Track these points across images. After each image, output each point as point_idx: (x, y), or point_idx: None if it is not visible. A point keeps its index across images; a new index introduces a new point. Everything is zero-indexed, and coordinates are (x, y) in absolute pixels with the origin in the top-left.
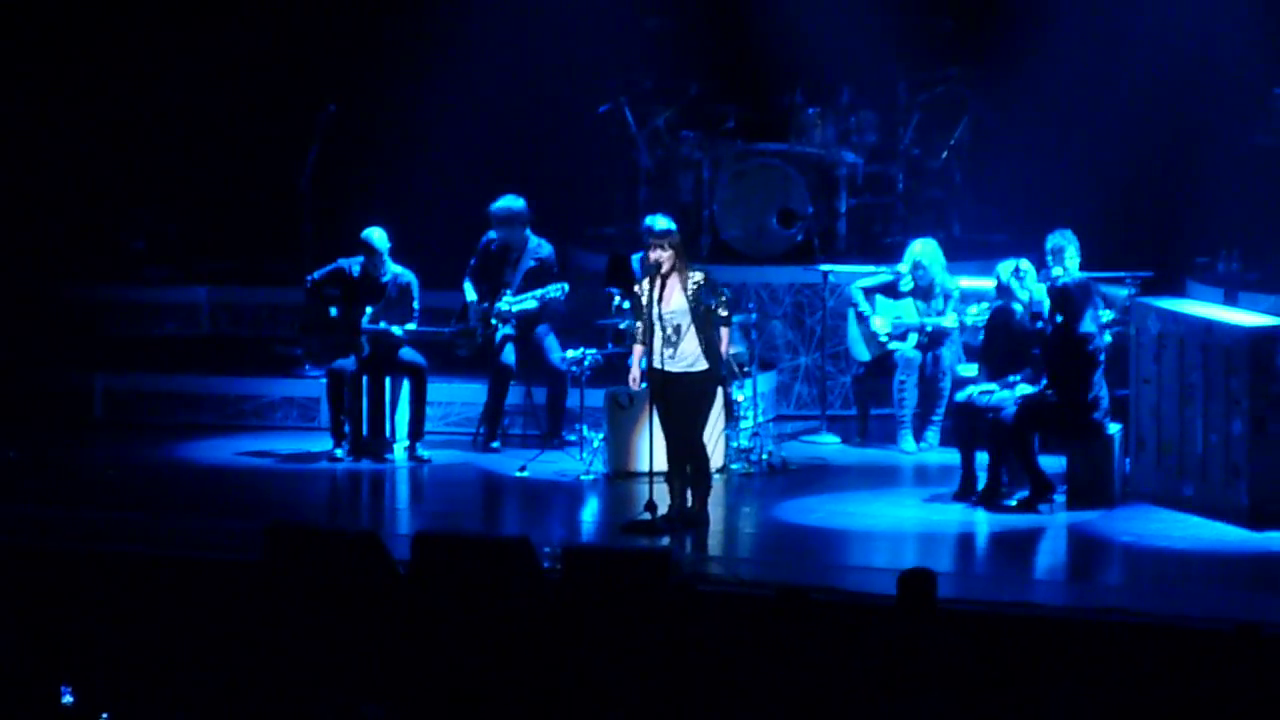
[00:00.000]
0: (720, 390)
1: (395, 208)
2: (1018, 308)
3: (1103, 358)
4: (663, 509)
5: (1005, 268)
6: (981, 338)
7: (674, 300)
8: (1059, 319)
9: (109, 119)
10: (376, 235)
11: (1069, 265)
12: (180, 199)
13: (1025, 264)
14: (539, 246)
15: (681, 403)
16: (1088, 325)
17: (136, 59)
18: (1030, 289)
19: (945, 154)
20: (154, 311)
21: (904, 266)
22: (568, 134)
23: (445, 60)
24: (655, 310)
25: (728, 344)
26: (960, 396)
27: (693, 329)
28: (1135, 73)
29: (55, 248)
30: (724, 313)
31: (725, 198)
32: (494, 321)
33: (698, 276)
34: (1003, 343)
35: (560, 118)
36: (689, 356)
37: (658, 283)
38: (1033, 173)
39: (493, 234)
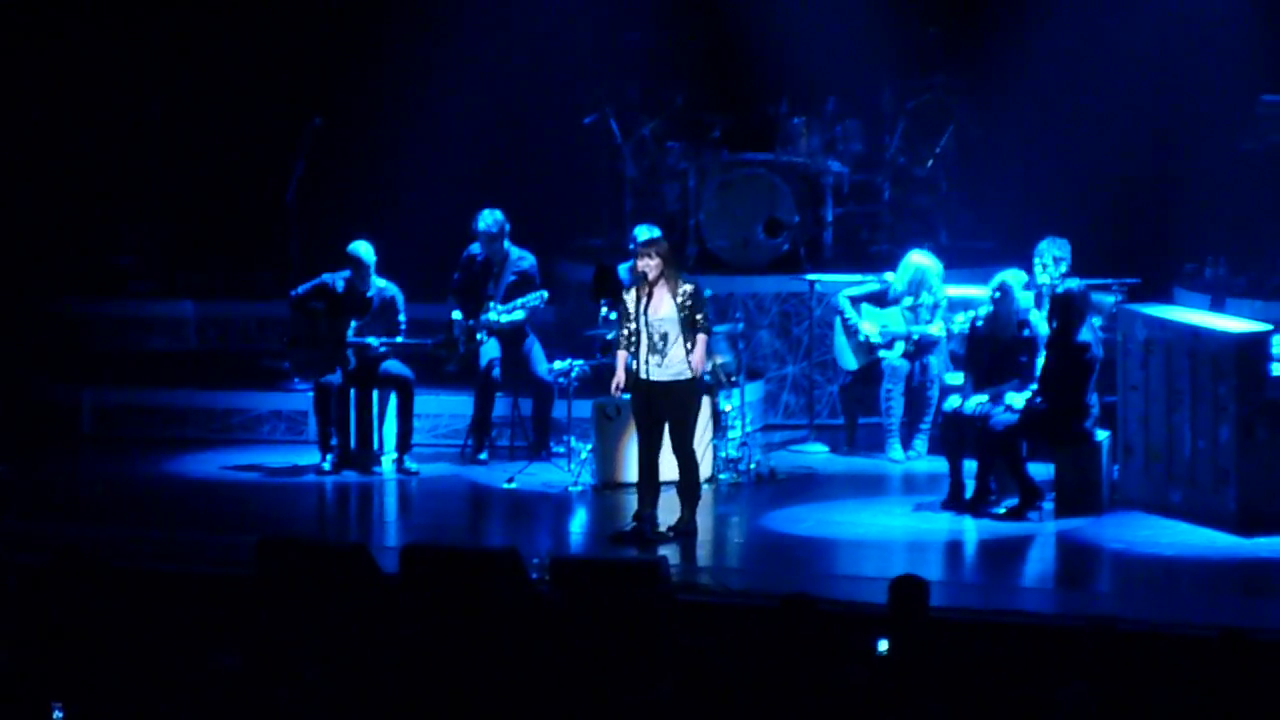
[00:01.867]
0: (708, 399)
1: (381, 221)
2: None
3: (1097, 367)
4: (667, 521)
5: (1015, 279)
6: (965, 347)
7: (663, 308)
8: (1054, 325)
9: (95, 133)
10: (363, 249)
11: (1064, 272)
12: (167, 213)
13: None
14: (520, 259)
15: (670, 412)
16: (1085, 334)
17: (123, 73)
18: (1018, 298)
19: (931, 162)
20: (141, 326)
21: (901, 275)
22: (553, 145)
23: (431, 73)
24: (643, 319)
25: (703, 352)
26: (948, 406)
27: (680, 337)
28: (1121, 80)
29: (43, 262)
30: (704, 320)
31: (711, 208)
32: (479, 335)
33: (687, 287)
34: (986, 352)
35: (546, 129)
36: (676, 364)
37: (645, 291)
38: (1019, 180)
39: (475, 248)
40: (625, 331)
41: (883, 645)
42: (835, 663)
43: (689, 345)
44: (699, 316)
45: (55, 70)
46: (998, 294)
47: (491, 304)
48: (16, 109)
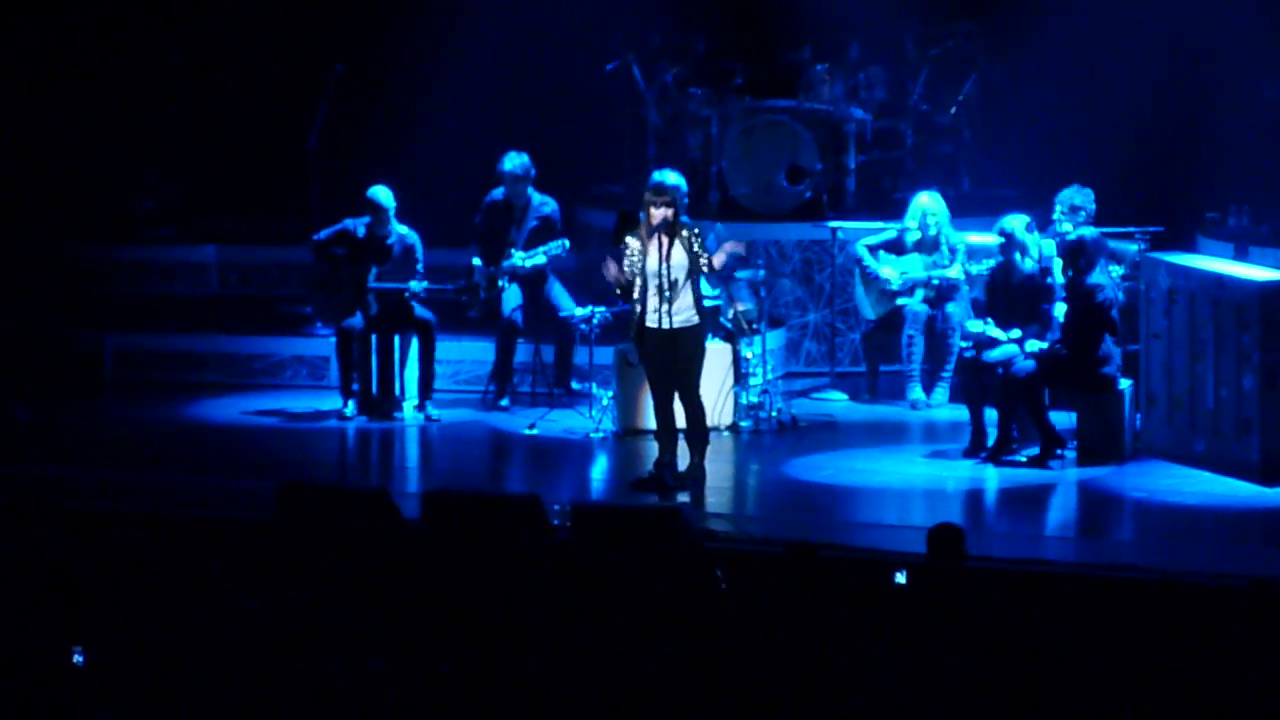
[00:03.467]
0: (729, 346)
1: (403, 166)
2: (1029, 263)
3: (1115, 313)
4: (681, 466)
5: (1017, 222)
6: (985, 293)
7: (676, 255)
8: (1069, 273)
9: (117, 78)
10: (382, 194)
11: (1080, 221)
12: (189, 159)
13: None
14: (543, 204)
15: (677, 358)
16: (1097, 277)
17: (145, 18)
18: (1040, 244)
19: (954, 109)
20: (163, 271)
21: (910, 220)
22: (576, 92)
23: (453, 18)
24: (661, 267)
25: (722, 257)
26: (966, 344)
27: (690, 283)
28: (1145, 27)
29: (65, 208)
30: (705, 264)
31: (734, 154)
32: (500, 281)
33: (691, 230)
34: (1003, 298)
35: (568, 75)
36: (685, 311)
37: (664, 239)
38: (1042, 127)
39: (498, 193)
40: (626, 274)
41: (900, 577)
42: (849, 611)
43: (695, 292)
44: (703, 260)
45: (79, 15)
46: (999, 239)
47: (513, 250)
48: (39, 54)
